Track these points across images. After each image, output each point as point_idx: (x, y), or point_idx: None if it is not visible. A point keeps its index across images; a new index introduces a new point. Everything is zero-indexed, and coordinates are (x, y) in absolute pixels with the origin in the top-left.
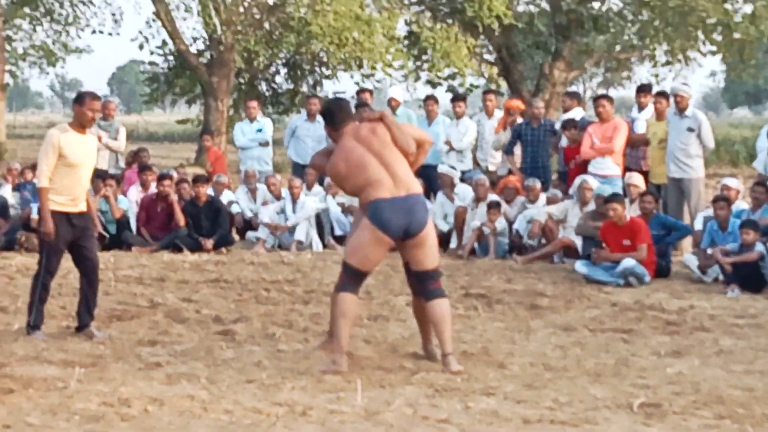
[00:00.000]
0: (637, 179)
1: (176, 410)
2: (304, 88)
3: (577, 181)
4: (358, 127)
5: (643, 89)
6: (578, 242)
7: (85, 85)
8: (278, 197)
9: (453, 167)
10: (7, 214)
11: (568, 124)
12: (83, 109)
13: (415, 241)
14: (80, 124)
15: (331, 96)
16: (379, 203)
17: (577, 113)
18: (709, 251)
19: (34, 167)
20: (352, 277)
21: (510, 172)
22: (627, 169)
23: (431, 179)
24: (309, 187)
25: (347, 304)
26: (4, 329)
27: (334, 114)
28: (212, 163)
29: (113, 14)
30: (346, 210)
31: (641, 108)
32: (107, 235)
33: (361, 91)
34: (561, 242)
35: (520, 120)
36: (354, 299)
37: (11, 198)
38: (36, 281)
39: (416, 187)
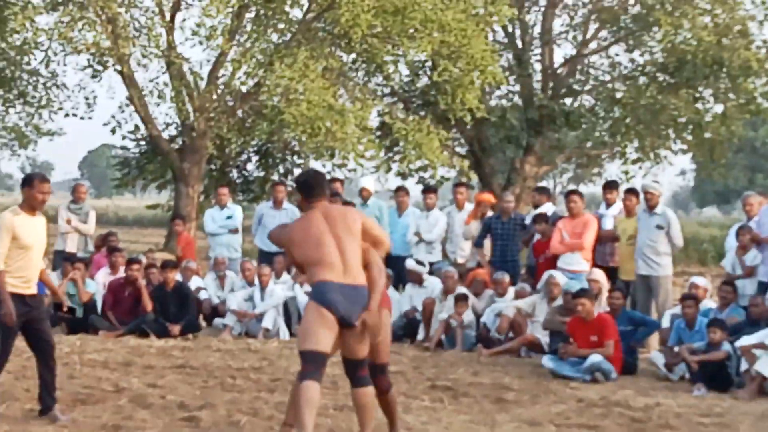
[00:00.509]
0: (598, 275)
1: None
2: (276, 176)
3: (545, 276)
4: (330, 206)
5: (610, 186)
6: (545, 338)
7: (57, 168)
8: (251, 283)
9: (421, 262)
10: None
11: (539, 219)
12: (33, 192)
13: (352, 331)
14: (30, 207)
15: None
16: (326, 285)
17: (547, 208)
18: (676, 349)
19: None
20: (311, 363)
21: (479, 265)
22: (595, 265)
23: (400, 270)
24: (278, 276)
25: (311, 392)
26: None
27: (312, 187)
28: (182, 248)
29: (86, 98)
30: None
31: (609, 204)
32: (76, 307)
33: (332, 181)
34: (525, 338)
35: (490, 213)
36: (317, 387)
37: None
38: None
39: (362, 279)
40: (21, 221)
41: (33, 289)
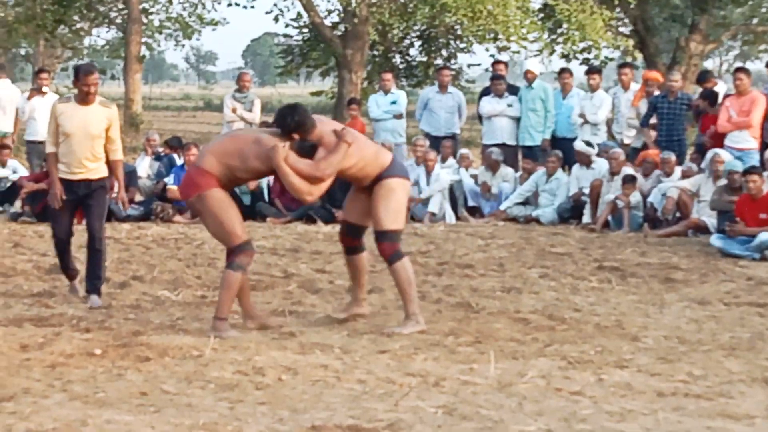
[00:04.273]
0: None
1: (310, 379)
2: (438, 61)
3: (709, 154)
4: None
5: None
6: (711, 219)
7: (220, 58)
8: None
9: (590, 144)
10: (135, 183)
11: (707, 95)
12: (79, 84)
13: None
14: (81, 98)
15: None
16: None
17: (720, 89)
18: None
19: (171, 142)
20: (400, 240)
21: (645, 146)
22: (764, 143)
23: (567, 151)
24: (443, 160)
25: (410, 267)
26: (140, 298)
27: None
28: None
29: None
30: (479, 182)
31: None
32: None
33: (495, 63)
34: (692, 222)
35: (657, 92)
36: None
37: (148, 169)
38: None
39: None
40: (65, 108)
41: (81, 176)
